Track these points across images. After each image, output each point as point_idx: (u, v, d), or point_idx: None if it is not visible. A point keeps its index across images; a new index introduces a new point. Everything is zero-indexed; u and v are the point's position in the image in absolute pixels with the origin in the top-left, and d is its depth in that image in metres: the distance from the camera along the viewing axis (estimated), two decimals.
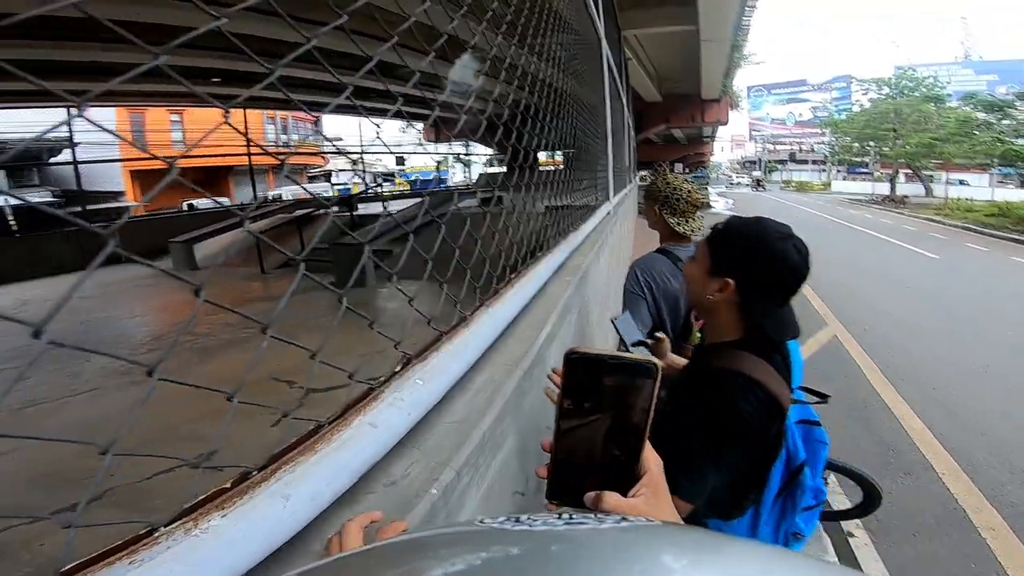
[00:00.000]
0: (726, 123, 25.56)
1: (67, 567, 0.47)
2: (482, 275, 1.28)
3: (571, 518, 0.31)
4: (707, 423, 1.02)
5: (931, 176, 30.03)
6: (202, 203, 16.61)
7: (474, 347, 1.06)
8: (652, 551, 0.26)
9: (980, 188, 29.00)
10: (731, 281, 1.10)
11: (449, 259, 1.15)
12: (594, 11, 3.52)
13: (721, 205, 26.51)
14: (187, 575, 0.49)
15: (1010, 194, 25.11)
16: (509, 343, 1.28)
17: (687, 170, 35.40)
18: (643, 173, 20.94)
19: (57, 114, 12.60)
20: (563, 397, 0.48)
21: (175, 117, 23.32)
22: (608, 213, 4.14)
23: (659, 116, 22.10)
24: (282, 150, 25.04)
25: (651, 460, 0.52)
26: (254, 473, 0.60)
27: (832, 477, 2.78)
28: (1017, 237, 13.75)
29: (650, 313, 2.06)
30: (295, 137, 31.35)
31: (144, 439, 2.73)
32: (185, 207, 17.11)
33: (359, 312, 0.84)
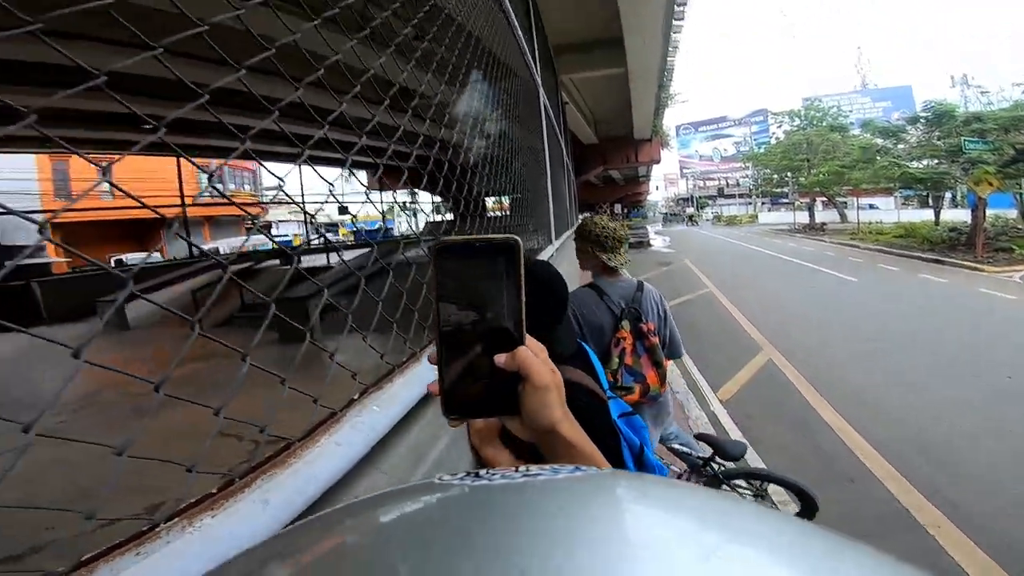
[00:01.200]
0: (659, 162, 26.83)
1: (85, 557, 0.55)
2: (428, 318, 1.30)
3: (528, 471, 0.31)
4: None
5: (844, 203, 31.97)
6: (132, 258, 15.77)
7: (425, 379, 1.10)
8: (607, 496, 0.28)
9: (888, 211, 31.57)
10: None
11: (394, 311, 1.19)
12: (530, 60, 3.72)
13: (659, 243, 26.95)
14: (183, 567, 0.55)
15: (913, 215, 27.45)
16: None
17: (625, 210, 36.51)
18: (585, 215, 21.41)
19: None
20: (437, 297, 0.46)
21: (104, 165, 22.06)
22: (551, 256, 4.27)
23: (597, 158, 22.95)
24: (219, 200, 24.17)
25: (534, 345, 0.51)
26: (237, 480, 0.68)
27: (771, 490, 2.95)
28: (922, 255, 15.10)
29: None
30: (232, 187, 30.41)
31: (81, 493, 2.67)
32: (113, 263, 16.20)
33: (320, 346, 0.85)
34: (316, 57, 0.93)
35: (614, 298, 2.28)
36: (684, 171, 67.93)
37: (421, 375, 1.12)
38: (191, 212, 15.58)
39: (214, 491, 0.65)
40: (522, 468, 0.33)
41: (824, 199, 32.36)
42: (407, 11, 1.32)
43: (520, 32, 3.20)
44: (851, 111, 42.61)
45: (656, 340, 2.26)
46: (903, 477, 3.52)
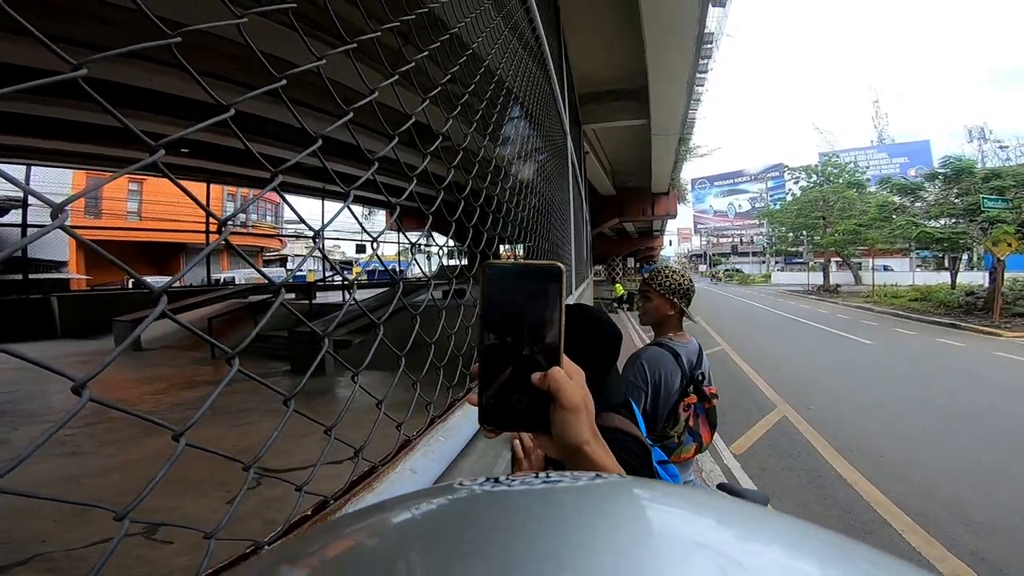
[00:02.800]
0: (675, 216, 26.51)
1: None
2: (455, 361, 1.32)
3: (548, 477, 0.31)
4: None
5: (859, 264, 31.37)
6: (152, 281, 16.01)
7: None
8: (627, 500, 0.28)
9: (902, 273, 30.86)
10: None
11: (415, 348, 1.20)
12: (561, 109, 3.82)
13: None
14: None
15: (928, 277, 26.58)
16: None
17: (638, 265, 36.18)
18: (597, 268, 21.11)
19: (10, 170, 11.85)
20: (483, 315, 0.49)
21: (134, 186, 22.43)
22: None
23: (613, 210, 22.81)
24: (241, 230, 24.66)
25: (571, 367, 0.52)
26: (331, 502, 0.71)
27: None
28: (940, 320, 14.82)
29: (643, 407, 2.13)
30: (254, 216, 31.10)
31: (77, 508, 2.68)
32: (131, 284, 16.44)
33: (369, 392, 0.86)
34: (352, 95, 0.96)
35: (684, 360, 2.24)
36: (698, 226, 67.76)
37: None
38: (213, 239, 15.93)
39: (309, 512, 0.68)
40: (542, 475, 0.32)
41: (839, 260, 31.73)
42: (443, 56, 1.36)
43: (556, 83, 3.31)
44: (868, 167, 42.34)
45: (716, 403, 2.25)
46: (922, 529, 3.54)
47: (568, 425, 0.50)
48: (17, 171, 10.97)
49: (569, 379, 0.50)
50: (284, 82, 0.62)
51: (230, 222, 0.59)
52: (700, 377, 2.24)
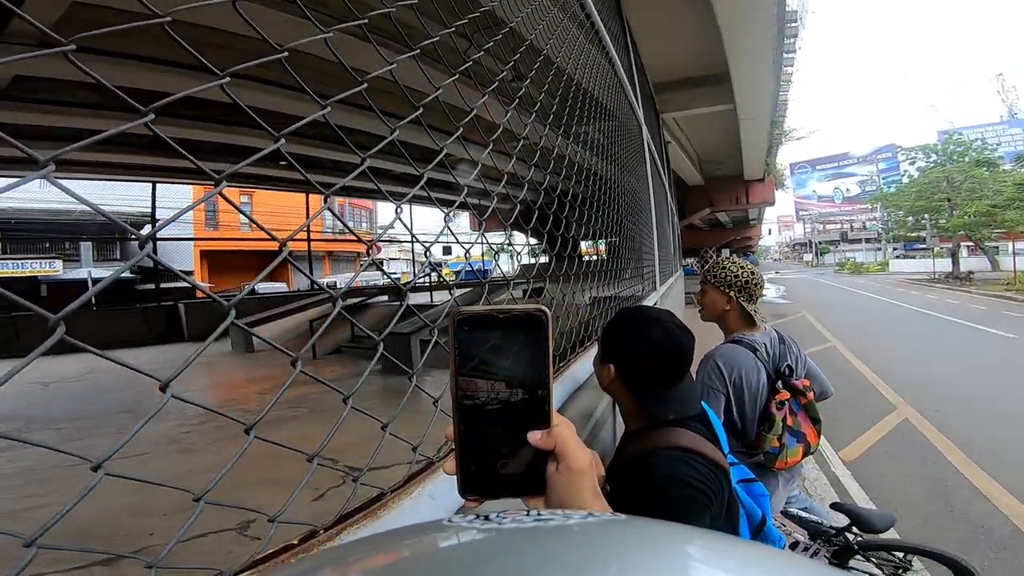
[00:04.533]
0: (773, 203, 25.03)
1: None
2: None
3: (539, 515, 0.30)
4: (666, 505, 0.99)
5: (995, 248, 28.09)
6: (262, 287, 17.49)
7: None
8: (620, 543, 0.26)
9: None
10: (612, 366, 1.16)
11: None
12: (632, 98, 3.69)
13: (772, 293, 23.19)
14: None
15: None
16: None
17: (732, 255, 34.32)
18: (689, 260, 20.50)
19: (136, 188, 13.51)
20: (457, 369, 0.44)
21: (244, 198, 24.15)
22: (655, 303, 4.10)
23: (702, 200, 22.05)
24: (338, 236, 26.34)
25: (563, 421, 0.48)
26: (320, 532, 0.64)
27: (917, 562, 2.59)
28: None
29: (725, 410, 2.00)
30: (351, 223, 32.96)
31: (187, 503, 2.78)
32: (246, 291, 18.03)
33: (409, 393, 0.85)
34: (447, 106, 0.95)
35: (764, 354, 2.07)
36: (800, 213, 63.59)
37: None
38: (314, 247, 17.20)
39: (294, 542, 0.62)
40: (533, 512, 0.31)
41: (970, 244, 28.46)
42: (511, 55, 1.34)
43: (622, 71, 3.19)
44: (999, 144, 37.31)
45: (812, 396, 2.08)
46: None
47: (573, 488, 0.46)
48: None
49: (572, 437, 0.46)
50: (287, 72, 0.62)
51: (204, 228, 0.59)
52: (787, 370, 2.05)
